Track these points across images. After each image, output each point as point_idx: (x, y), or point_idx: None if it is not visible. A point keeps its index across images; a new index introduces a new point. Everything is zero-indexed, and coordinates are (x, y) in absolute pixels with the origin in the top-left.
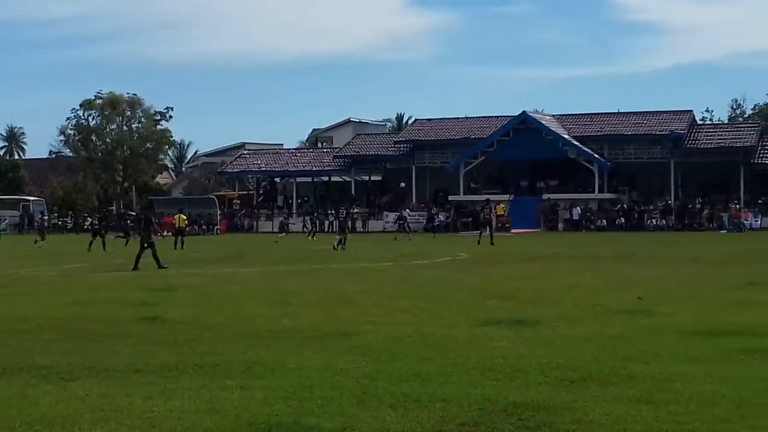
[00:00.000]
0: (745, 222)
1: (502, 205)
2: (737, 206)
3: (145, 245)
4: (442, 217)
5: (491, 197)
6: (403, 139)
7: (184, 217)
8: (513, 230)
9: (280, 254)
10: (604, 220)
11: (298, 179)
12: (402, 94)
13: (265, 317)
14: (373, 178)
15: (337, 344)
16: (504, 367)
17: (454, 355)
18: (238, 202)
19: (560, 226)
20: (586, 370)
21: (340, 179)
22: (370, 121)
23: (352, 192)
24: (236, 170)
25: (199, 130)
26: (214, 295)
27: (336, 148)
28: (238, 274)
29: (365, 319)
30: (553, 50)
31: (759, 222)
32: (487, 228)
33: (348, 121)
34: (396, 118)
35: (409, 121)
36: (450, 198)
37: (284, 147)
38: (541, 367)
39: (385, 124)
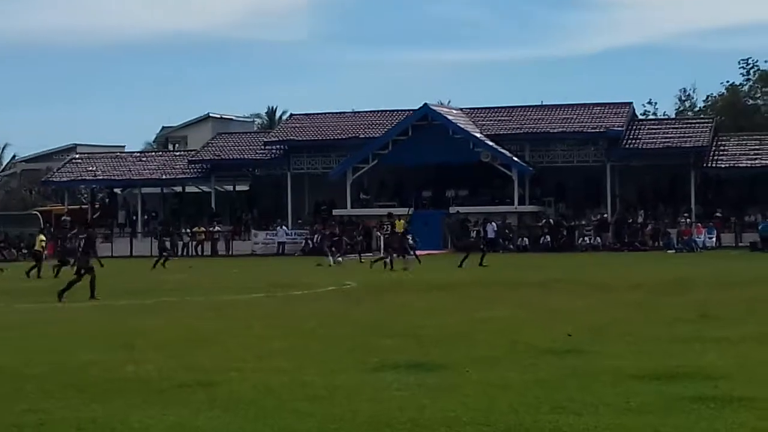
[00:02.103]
0: (697, 240)
1: (402, 221)
2: (688, 221)
3: None
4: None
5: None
6: (276, 139)
7: (42, 238)
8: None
9: (122, 285)
10: (526, 239)
11: (144, 190)
12: (274, 83)
13: (101, 364)
14: (238, 188)
15: (195, 397)
16: (402, 421)
17: (339, 408)
18: (69, 218)
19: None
20: (503, 424)
21: (196, 189)
22: (234, 117)
23: (212, 205)
24: (65, 179)
25: (18, 129)
26: (37, 337)
27: (192, 150)
28: (68, 309)
29: (230, 365)
30: (462, 29)
31: (714, 239)
32: (391, 250)
33: (207, 117)
34: (267, 113)
35: (283, 117)
36: (335, 212)
37: (126, 150)
38: (448, 421)
39: (253, 121)
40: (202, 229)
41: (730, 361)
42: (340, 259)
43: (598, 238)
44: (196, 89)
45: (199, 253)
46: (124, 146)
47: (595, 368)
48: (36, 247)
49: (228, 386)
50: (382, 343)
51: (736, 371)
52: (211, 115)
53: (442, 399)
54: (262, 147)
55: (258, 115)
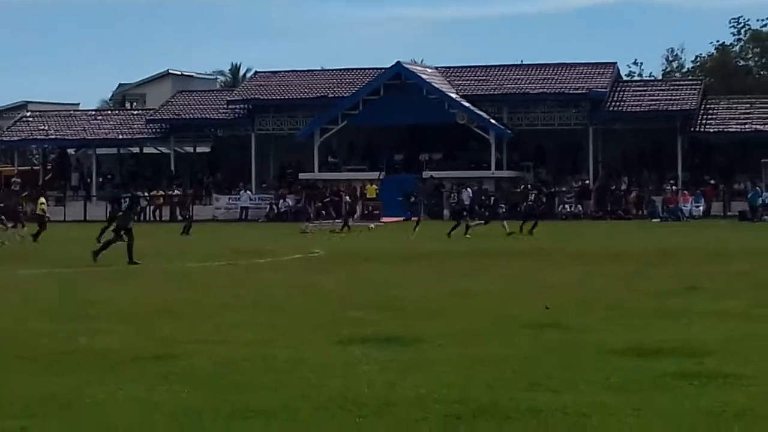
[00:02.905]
0: (683, 208)
1: (374, 186)
2: (674, 188)
3: None
4: (290, 200)
5: (357, 175)
6: (239, 98)
7: (43, 200)
8: (384, 219)
9: (78, 251)
10: (503, 205)
11: (99, 150)
12: (238, 38)
13: (54, 335)
14: (199, 149)
15: (152, 370)
16: (371, 399)
17: (305, 383)
18: (19, 180)
19: (446, 212)
20: (478, 403)
21: (155, 150)
22: (195, 75)
23: (172, 168)
24: (16, 138)
25: None
26: None
27: (150, 109)
28: (17, 277)
29: (191, 337)
30: None
31: (701, 208)
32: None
33: (166, 74)
34: (230, 70)
35: (248, 75)
36: (301, 176)
37: (81, 108)
38: (421, 398)
39: (216, 79)
40: (161, 192)
41: (716, 337)
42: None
43: (579, 206)
44: (155, 45)
45: (158, 218)
46: (78, 104)
47: (575, 343)
48: (37, 211)
49: (187, 359)
50: (352, 315)
51: (723, 347)
52: (171, 72)
53: (413, 375)
54: (225, 106)
55: (221, 73)
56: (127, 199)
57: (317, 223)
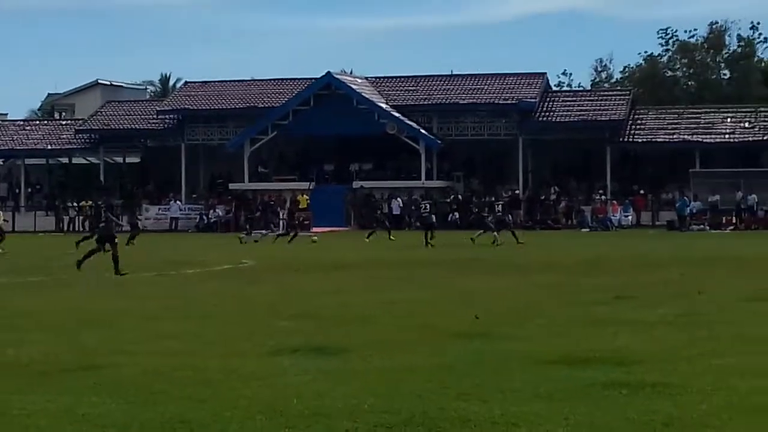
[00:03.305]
0: (612, 218)
1: (305, 196)
2: (603, 198)
3: None
4: (220, 211)
5: (287, 185)
6: (169, 108)
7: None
8: (314, 229)
9: (5, 262)
10: (434, 215)
11: (28, 161)
12: (168, 49)
13: None
14: (128, 159)
15: (80, 381)
16: (300, 409)
17: (234, 394)
18: None
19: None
20: (407, 412)
21: (84, 161)
22: (124, 85)
23: (101, 178)
24: None
25: None
26: None
27: (79, 119)
28: None
29: (119, 348)
30: None
31: (630, 218)
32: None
33: (95, 84)
34: (160, 80)
35: (178, 85)
36: (231, 186)
37: (9, 118)
38: (350, 408)
39: (146, 89)
40: (90, 203)
41: (644, 345)
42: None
43: (510, 216)
44: (84, 55)
45: (87, 228)
46: (6, 114)
47: (505, 353)
48: None
49: (116, 370)
50: (281, 325)
51: (650, 355)
52: (100, 81)
53: (343, 385)
54: (155, 116)
55: (150, 83)
56: (106, 210)
57: (258, 233)
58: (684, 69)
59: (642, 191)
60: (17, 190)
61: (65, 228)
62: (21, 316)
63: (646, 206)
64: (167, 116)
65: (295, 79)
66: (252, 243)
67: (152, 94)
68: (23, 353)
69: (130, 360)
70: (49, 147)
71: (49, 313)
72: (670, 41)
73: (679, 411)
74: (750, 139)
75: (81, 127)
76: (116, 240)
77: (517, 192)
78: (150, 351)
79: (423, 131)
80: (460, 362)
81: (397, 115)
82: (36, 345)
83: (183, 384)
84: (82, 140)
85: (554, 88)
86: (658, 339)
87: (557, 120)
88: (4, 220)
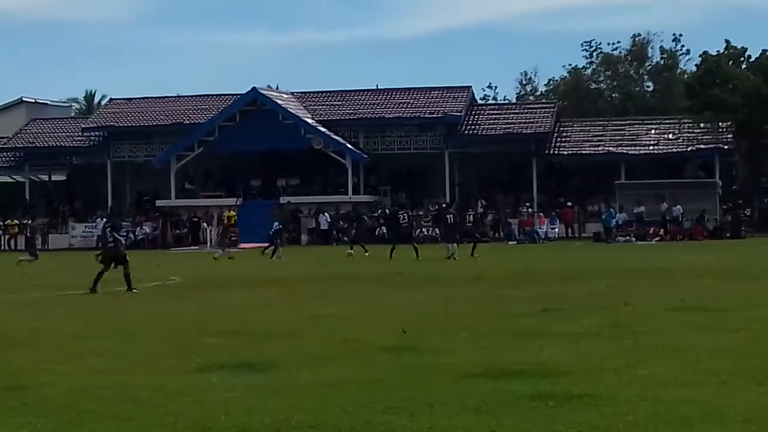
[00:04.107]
0: (539, 230)
1: (232, 212)
2: (529, 210)
3: None
4: (147, 228)
5: (214, 202)
6: (95, 125)
7: None
8: (242, 245)
9: None
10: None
11: None
12: (93, 66)
13: None
14: (54, 177)
15: (5, 401)
16: (228, 426)
17: (161, 411)
18: None
19: (304, 238)
20: (334, 427)
21: (9, 179)
22: (49, 102)
23: (27, 196)
24: None
25: None
26: None
27: (3, 137)
28: None
29: (42, 367)
30: (293, 9)
31: (557, 230)
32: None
33: (20, 102)
34: (85, 97)
35: (103, 102)
36: (158, 203)
37: None
38: (277, 424)
39: (71, 106)
40: (15, 221)
41: (570, 357)
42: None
43: (437, 230)
44: (7, 72)
45: (12, 247)
46: None
47: (431, 366)
48: None
49: (41, 390)
50: (208, 341)
51: (576, 367)
52: (24, 99)
53: (270, 400)
54: (80, 134)
55: (75, 100)
56: (111, 229)
57: (224, 251)
58: (608, 81)
59: (569, 203)
60: None
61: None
62: None
63: (574, 218)
64: (92, 133)
65: (220, 95)
66: (227, 259)
67: (77, 111)
68: None
69: (56, 379)
70: None
71: None
72: (594, 54)
73: (605, 422)
74: (674, 150)
75: (5, 146)
76: (127, 258)
77: (444, 205)
78: (76, 370)
79: (349, 146)
80: (387, 376)
81: (323, 130)
82: None
83: (110, 402)
84: (7, 158)
85: (480, 102)
86: (584, 350)
87: (483, 133)
88: None
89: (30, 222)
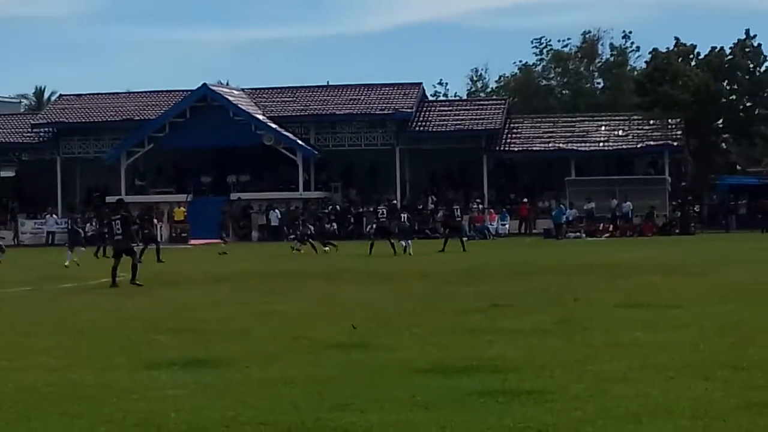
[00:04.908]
0: (490, 226)
1: (182, 208)
2: (480, 206)
3: None
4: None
5: (164, 198)
6: (44, 121)
7: None
8: (192, 241)
9: None
10: (311, 226)
11: None
12: (42, 61)
13: None
14: (2, 173)
15: None
16: (177, 423)
17: (110, 408)
18: None
19: (254, 234)
20: (284, 424)
21: None
22: None
23: None
24: None
25: None
26: None
27: None
28: None
29: None
30: (242, 5)
31: (507, 226)
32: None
33: None
34: (34, 93)
35: (53, 98)
36: (108, 199)
37: None
38: (227, 421)
39: (20, 102)
40: None
41: (519, 353)
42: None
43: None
44: None
45: None
46: None
47: (380, 362)
48: None
49: None
50: (157, 339)
51: (526, 363)
52: None
53: (220, 398)
54: (29, 130)
55: (24, 96)
56: (118, 221)
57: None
58: (558, 78)
59: (525, 200)
60: None
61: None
62: None
63: (530, 215)
64: (42, 129)
65: (171, 91)
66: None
67: (27, 107)
68: None
69: (4, 376)
70: None
71: None
72: (544, 50)
73: (554, 418)
74: (624, 146)
75: None
76: (134, 250)
77: (394, 202)
78: (23, 367)
79: (300, 142)
80: (337, 373)
81: (274, 126)
82: None
83: (58, 400)
84: None
85: (430, 98)
86: (534, 346)
87: (434, 129)
88: None
89: None
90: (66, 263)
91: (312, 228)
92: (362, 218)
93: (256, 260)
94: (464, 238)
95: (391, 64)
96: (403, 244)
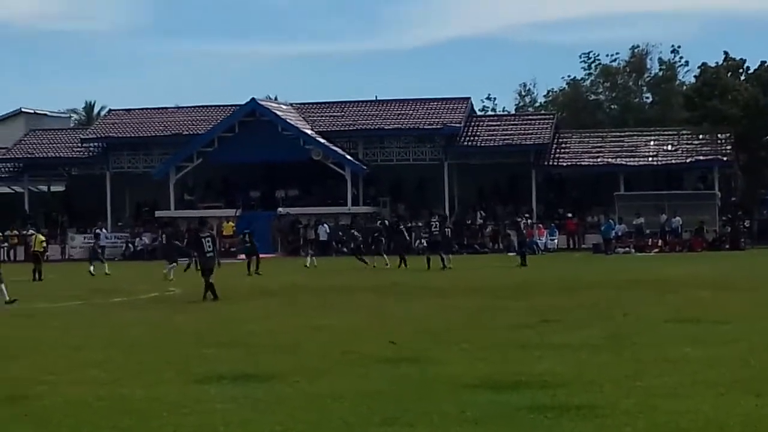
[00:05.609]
0: (538, 241)
1: (230, 223)
2: (529, 221)
3: None
4: (147, 239)
5: (213, 212)
6: (94, 136)
7: (42, 238)
8: (241, 256)
9: None
10: (360, 237)
11: None
12: (91, 77)
13: None
14: (53, 188)
15: (5, 412)
16: None
17: (160, 422)
18: None
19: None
20: None
21: (8, 190)
22: (48, 113)
23: (26, 207)
24: None
25: None
26: None
27: (2, 148)
28: None
29: (41, 378)
30: (292, 20)
31: (556, 241)
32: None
33: (19, 113)
34: (84, 108)
35: (102, 113)
36: (157, 214)
37: None
38: None
39: (70, 117)
40: (15, 232)
41: (569, 368)
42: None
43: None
44: (7, 83)
45: (12, 258)
46: None
47: (430, 377)
48: (36, 248)
49: (40, 400)
50: (207, 352)
51: (575, 378)
52: (23, 110)
53: (269, 412)
54: (79, 144)
55: (74, 111)
56: (209, 239)
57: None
58: (606, 92)
59: (570, 214)
60: None
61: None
62: None
63: (578, 230)
64: (92, 144)
65: (219, 105)
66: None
67: (76, 122)
68: None
69: (56, 390)
70: None
71: None
72: (593, 65)
73: None
74: (673, 161)
75: (4, 156)
76: (213, 269)
77: (444, 215)
78: (75, 380)
79: (348, 157)
80: (385, 387)
81: (322, 141)
82: None
83: (108, 414)
84: (6, 169)
85: (479, 113)
86: (583, 362)
87: (482, 144)
88: (43, 243)
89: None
90: (170, 277)
91: (361, 239)
92: (411, 233)
93: (305, 274)
94: (524, 253)
95: (439, 78)
96: (444, 258)
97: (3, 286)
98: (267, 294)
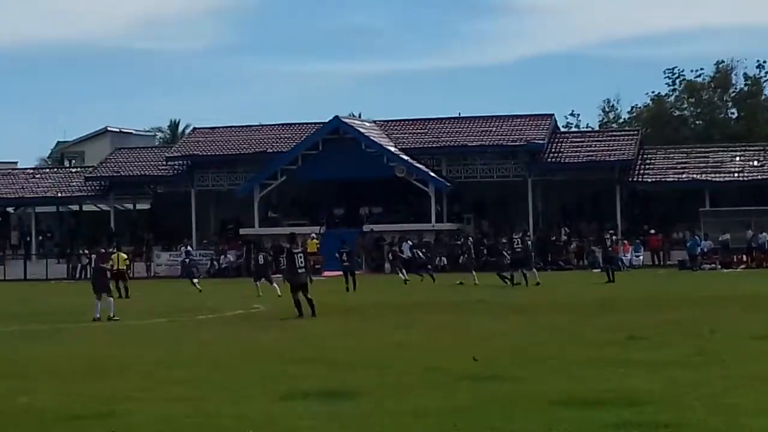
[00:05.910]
0: (623, 258)
1: (315, 240)
2: (614, 238)
3: None
4: (232, 256)
5: (298, 230)
6: (178, 154)
7: (125, 256)
8: (325, 273)
9: (11, 309)
10: (444, 258)
11: (39, 209)
12: (176, 95)
13: None
14: (138, 206)
15: (93, 428)
16: None
17: None
18: None
19: (387, 266)
20: None
21: (94, 208)
22: (133, 131)
23: (111, 225)
24: None
25: None
26: None
27: (89, 167)
28: None
29: (128, 395)
30: (375, 38)
31: (641, 257)
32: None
33: (105, 131)
34: (169, 126)
35: (186, 131)
36: (242, 231)
37: (18, 166)
38: None
39: (155, 135)
40: (102, 250)
41: (656, 386)
42: None
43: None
44: (93, 102)
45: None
46: (16, 162)
47: (515, 394)
48: (120, 266)
49: (128, 417)
50: (292, 369)
51: (662, 396)
52: (109, 128)
53: (354, 429)
54: (164, 162)
55: (159, 129)
56: (301, 255)
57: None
58: (691, 108)
59: (653, 231)
60: (28, 238)
61: (77, 275)
62: (32, 363)
63: (661, 246)
64: (176, 162)
65: (302, 123)
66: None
67: (161, 140)
68: (36, 400)
69: (142, 407)
70: (60, 195)
71: (60, 361)
72: (677, 81)
73: None
74: (759, 177)
75: (91, 175)
76: (308, 285)
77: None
78: (161, 397)
79: (432, 174)
80: (470, 404)
81: (405, 158)
82: (49, 392)
83: (195, 430)
84: (92, 187)
85: (562, 129)
86: (670, 379)
87: (566, 161)
88: (126, 261)
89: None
90: (278, 293)
91: (422, 255)
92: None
93: (389, 291)
94: (611, 269)
95: (521, 95)
96: (526, 274)
97: (112, 300)
98: (351, 311)
